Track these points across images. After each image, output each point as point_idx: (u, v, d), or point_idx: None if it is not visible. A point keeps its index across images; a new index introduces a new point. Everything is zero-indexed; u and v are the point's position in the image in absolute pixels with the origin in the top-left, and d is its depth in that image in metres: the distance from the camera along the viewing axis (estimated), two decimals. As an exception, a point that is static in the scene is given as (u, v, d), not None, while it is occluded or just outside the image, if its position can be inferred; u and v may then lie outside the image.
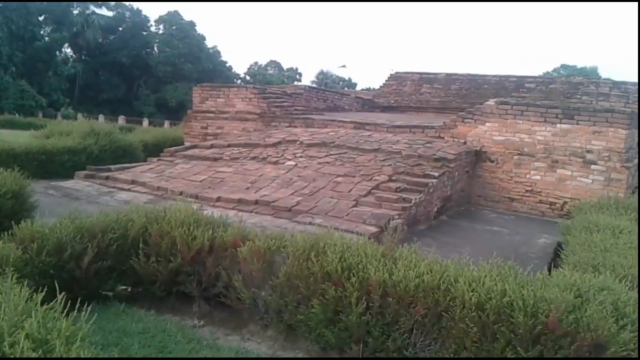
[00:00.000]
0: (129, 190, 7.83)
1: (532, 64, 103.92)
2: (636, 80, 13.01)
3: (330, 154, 9.00)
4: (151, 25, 54.30)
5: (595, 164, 8.86)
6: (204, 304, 4.52)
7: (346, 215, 6.60)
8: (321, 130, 10.70)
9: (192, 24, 53.25)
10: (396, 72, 18.01)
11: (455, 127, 10.17)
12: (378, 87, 18.85)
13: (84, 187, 7.93)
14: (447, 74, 17.13)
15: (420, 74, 17.58)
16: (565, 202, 9.16)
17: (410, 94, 17.32)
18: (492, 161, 9.76)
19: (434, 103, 16.89)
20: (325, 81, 74.96)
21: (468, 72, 17.04)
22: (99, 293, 4.39)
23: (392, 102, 17.45)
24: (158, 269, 4.35)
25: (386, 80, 18.00)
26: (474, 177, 9.94)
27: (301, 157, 8.94)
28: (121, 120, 37.14)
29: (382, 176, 7.85)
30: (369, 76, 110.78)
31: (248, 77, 68.47)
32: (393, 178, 7.83)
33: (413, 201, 7.16)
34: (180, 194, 7.55)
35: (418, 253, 3.90)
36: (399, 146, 9.25)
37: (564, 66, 59.31)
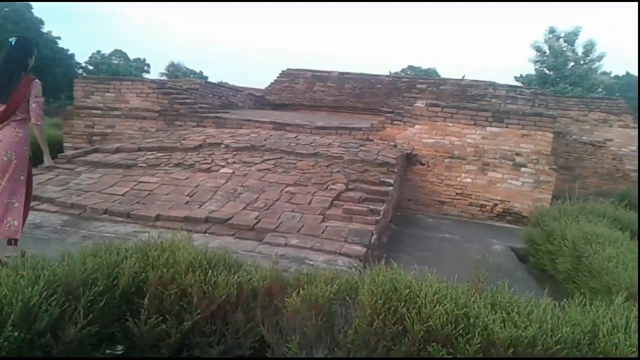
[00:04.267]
0: (33, 208, 6.16)
1: (383, 65, 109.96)
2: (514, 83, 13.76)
3: (267, 160, 8.05)
4: (-21, 7, 46.90)
5: (525, 166, 9.04)
6: (219, 369, 3.47)
7: (322, 233, 5.78)
8: (239, 132, 9.64)
9: (28, 6, 46.85)
10: (288, 69, 17.30)
11: (384, 129, 9.79)
12: (232, 82, 17.94)
13: (-33, 207, 6.06)
14: (340, 73, 16.85)
15: (313, 71, 17.09)
16: (495, 205, 9.25)
17: (304, 92, 16.75)
18: (423, 164, 9.56)
19: (327, 102, 16.50)
20: (176, 73, 71.45)
21: (361, 72, 16.93)
22: (80, 370, 3.12)
23: (285, 99, 16.73)
24: (166, 330, 3.20)
25: (277, 77, 17.21)
26: (404, 181, 9.65)
27: (234, 163, 7.85)
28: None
29: (337, 185, 7.13)
30: (219, 69, 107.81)
31: (91, 67, 62.42)
32: (350, 187, 7.15)
33: (381, 213, 6.56)
34: (105, 212, 6.12)
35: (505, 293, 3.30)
36: (336, 150, 8.60)
37: (410, 67, 63.38)
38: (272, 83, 17.32)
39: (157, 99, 10.55)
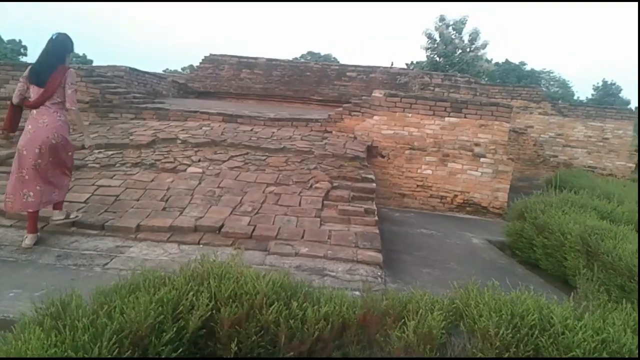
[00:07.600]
0: (-21, 226, 5.10)
1: (283, 50, 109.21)
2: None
3: (233, 157, 7.37)
4: None
5: (484, 156, 9.11)
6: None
7: (328, 239, 5.32)
8: (188, 125, 8.79)
9: None
10: (211, 54, 16.29)
11: (342, 121, 9.41)
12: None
13: None
14: (267, 59, 16.19)
15: (239, 57, 16.26)
16: (455, 196, 9.25)
17: (230, 79, 15.90)
18: (384, 156, 9.31)
19: (255, 90, 15.81)
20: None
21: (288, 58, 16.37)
22: None
23: (210, 87, 15.79)
24: (252, 380, 2.64)
25: (200, 63, 16.17)
26: (364, 173, 9.36)
27: (200, 161, 7.10)
28: None
29: (321, 183, 6.67)
30: (101, 52, 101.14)
31: (-44, 50, 55.66)
32: (334, 184, 6.72)
33: (375, 212, 6.22)
34: (73, 224, 5.21)
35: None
36: (301, 144, 8.10)
37: (310, 52, 63.81)
38: (194, 69, 16.26)
39: (87, 88, 9.34)
